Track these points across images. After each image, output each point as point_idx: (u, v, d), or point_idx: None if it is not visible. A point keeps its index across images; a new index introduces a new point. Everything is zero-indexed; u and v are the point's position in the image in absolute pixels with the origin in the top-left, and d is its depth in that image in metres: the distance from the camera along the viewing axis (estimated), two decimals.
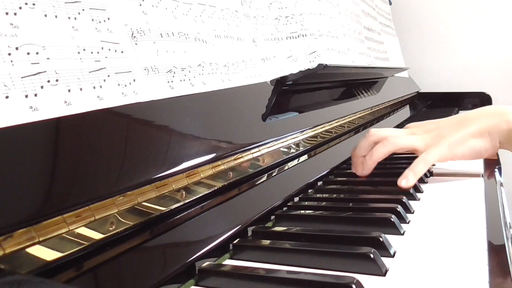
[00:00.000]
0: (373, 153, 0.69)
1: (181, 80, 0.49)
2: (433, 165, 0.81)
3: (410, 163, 0.72)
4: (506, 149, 0.70)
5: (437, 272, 0.39)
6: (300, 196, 0.64)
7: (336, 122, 0.85)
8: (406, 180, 0.63)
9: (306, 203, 0.61)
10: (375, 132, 0.71)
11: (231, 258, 0.45)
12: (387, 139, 0.69)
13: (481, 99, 1.79)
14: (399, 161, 0.82)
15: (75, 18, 0.38)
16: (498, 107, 0.71)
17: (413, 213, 0.56)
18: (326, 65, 0.63)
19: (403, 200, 0.56)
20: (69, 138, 0.35)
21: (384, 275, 0.39)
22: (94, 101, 0.38)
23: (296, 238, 0.47)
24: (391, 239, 0.45)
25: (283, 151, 0.64)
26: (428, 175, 0.75)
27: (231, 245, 0.46)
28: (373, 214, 0.52)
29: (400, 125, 1.37)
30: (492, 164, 0.80)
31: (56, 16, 0.37)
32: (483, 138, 0.67)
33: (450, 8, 2.00)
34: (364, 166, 0.70)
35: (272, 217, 0.55)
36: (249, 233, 0.50)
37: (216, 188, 0.48)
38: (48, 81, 0.34)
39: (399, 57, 1.79)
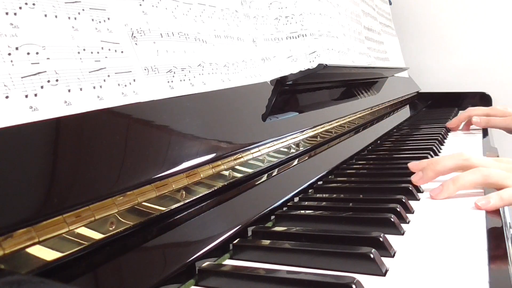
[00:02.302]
0: (459, 180, 0.61)
1: (181, 80, 0.49)
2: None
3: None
4: None
5: (437, 272, 0.39)
6: (300, 196, 0.64)
7: (336, 122, 0.85)
8: (487, 201, 0.55)
9: (306, 203, 0.61)
10: (468, 158, 0.64)
11: (231, 258, 0.45)
12: (479, 169, 0.61)
13: (481, 99, 1.79)
14: (399, 161, 0.82)
15: (75, 18, 0.38)
16: None
17: (413, 213, 0.56)
18: (326, 65, 0.63)
19: (403, 200, 0.56)
20: (69, 138, 0.35)
21: (384, 275, 0.39)
22: (94, 101, 0.38)
23: (296, 238, 0.47)
24: (391, 239, 0.45)
25: (283, 151, 0.64)
26: None
27: (231, 245, 0.46)
28: (373, 214, 0.52)
29: (400, 125, 1.37)
30: None
31: (56, 16, 0.37)
32: None
33: (450, 8, 2.00)
34: (443, 190, 0.61)
35: (272, 217, 0.55)
36: (249, 233, 0.50)
37: (216, 188, 0.48)
38: (48, 81, 0.34)
39: (399, 57, 1.79)
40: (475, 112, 1.22)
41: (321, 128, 0.78)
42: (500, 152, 0.96)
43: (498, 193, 0.56)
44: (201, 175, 0.46)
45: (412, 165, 0.69)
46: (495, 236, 0.47)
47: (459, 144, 1.08)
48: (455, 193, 0.61)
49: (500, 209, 0.56)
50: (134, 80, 0.43)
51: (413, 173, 0.67)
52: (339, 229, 0.50)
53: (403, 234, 0.49)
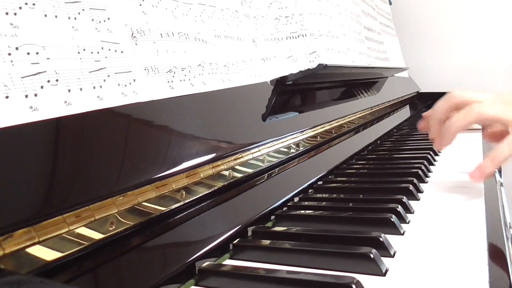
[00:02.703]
0: (452, 123, 0.58)
1: (181, 80, 0.49)
2: (433, 165, 0.81)
3: (412, 164, 0.72)
4: None
5: (437, 272, 0.39)
6: (300, 196, 0.64)
7: (336, 122, 0.85)
8: (479, 171, 0.53)
9: (306, 203, 0.61)
10: (458, 94, 0.61)
11: (231, 258, 0.45)
12: (471, 107, 0.57)
13: None
14: (399, 161, 0.82)
15: (75, 18, 0.38)
16: None
17: (413, 213, 0.56)
18: (326, 65, 0.63)
19: (403, 200, 0.56)
20: (69, 138, 0.35)
21: (384, 275, 0.39)
22: (94, 101, 0.38)
23: (296, 238, 0.47)
24: (391, 239, 0.45)
25: (283, 151, 0.64)
26: (429, 174, 0.75)
27: (231, 245, 0.46)
28: (373, 214, 0.52)
29: (400, 125, 1.37)
30: None
31: (56, 16, 0.37)
32: None
33: (450, 8, 2.00)
34: (442, 139, 0.60)
35: (272, 217, 0.55)
36: (249, 233, 0.50)
37: (216, 188, 0.48)
38: (48, 81, 0.34)
39: (399, 57, 1.79)
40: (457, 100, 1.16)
41: (321, 128, 0.78)
42: None
43: (488, 157, 0.54)
44: (201, 175, 0.46)
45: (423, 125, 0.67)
46: (495, 236, 0.47)
47: (459, 143, 1.08)
48: (455, 137, 0.59)
49: (500, 209, 0.56)
50: (134, 80, 0.43)
51: (413, 172, 0.67)
52: (339, 229, 0.50)
53: (403, 234, 0.49)
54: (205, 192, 0.46)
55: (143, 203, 0.38)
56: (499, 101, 0.58)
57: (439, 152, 0.93)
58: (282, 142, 0.63)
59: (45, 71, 0.34)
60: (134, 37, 0.44)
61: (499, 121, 0.56)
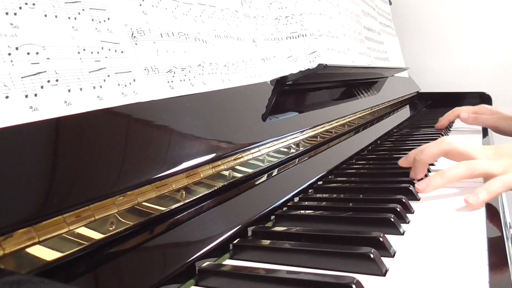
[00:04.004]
0: (445, 174, 0.60)
1: (181, 80, 0.49)
2: (433, 165, 0.81)
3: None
4: None
5: (437, 272, 0.39)
6: (300, 196, 0.64)
7: (336, 122, 0.85)
8: (476, 197, 0.55)
9: (306, 203, 0.61)
10: (450, 142, 0.63)
11: (231, 258, 0.45)
12: (464, 163, 0.60)
13: (481, 99, 1.79)
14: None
15: (75, 18, 0.38)
16: None
17: (413, 213, 0.56)
18: (326, 65, 0.63)
19: (403, 200, 0.56)
20: (69, 138, 0.35)
21: (384, 275, 0.39)
22: (94, 101, 0.38)
23: (296, 238, 0.47)
24: (391, 239, 0.45)
25: (283, 151, 0.64)
26: (429, 175, 0.75)
27: (231, 245, 0.46)
28: (373, 214, 0.52)
29: (400, 125, 1.37)
30: None
31: (56, 16, 0.37)
32: None
33: (450, 8, 2.00)
34: (430, 184, 0.61)
35: (272, 217, 0.55)
36: (249, 233, 0.50)
37: (216, 188, 0.48)
38: (48, 81, 0.34)
39: (399, 57, 1.79)
40: (462, 111, 1.21)
41: (321, 128, 0.78)
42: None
43: (484, 187, 0.56)
44: (201, 175, 0.46)
45: (401, 162, 0.70)
46: (495, 236, 0.47)
47: None
48: (443, 187, 0.60)
49: (500, 209, 0.56)
50: (134, 80, 0.43)
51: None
52: (339, 229, 0.50)
53: (403, 234, 0.49)
54: (205, 192, 0.46)
55: (143, 203, 0.38)
56: (487, 156, 0.62)
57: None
58: (282, 142, 0.63)
59: (45, 71, 0.34)
60: (134, 37, 0.44)
61: (487, 175, 0.59)
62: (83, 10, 0.39)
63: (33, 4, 0.35)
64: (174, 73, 0.48)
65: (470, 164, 0.60)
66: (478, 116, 1.18)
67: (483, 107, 1.21)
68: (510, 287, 0.36)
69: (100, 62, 0.39)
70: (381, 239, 0.43)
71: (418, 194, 0.63)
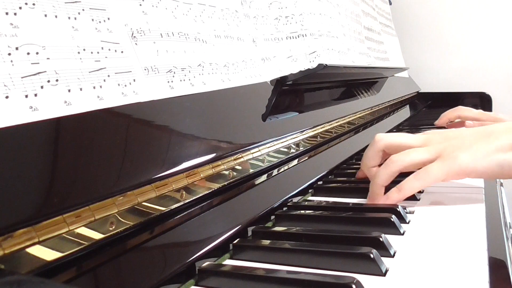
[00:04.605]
0: (375, 178, 0.59)
1: (181, 80, 0.49)
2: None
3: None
4: None
5: (437, 272, 0.39)
6: (300, 196, 0.64)
7: (336, 122, 0.85)
8: (386, 198, 0.56)
9: (306, 203, 0.61)
10: (381, 138, 0.63)
11: (231, 258, 0.45)
12: (390, 159, 0.59)
13: (481, 99, 1.79)
14: None
15: (75, 18, 0.38)
16: None
17: (413, 213, 0.56)
18: (326, 65, 0.63)
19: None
20: (69, 138, 0.35)
21: (384, 275, 0.39)
22: (94, 101, 0.38)
23: (296, 238, 0.47)
24: (391, 239, 0.45)
25: (283, 151, 0.64)
26: None
27: (231, 245, 0.46)
28: (373, 214, 0.52)
29: (400, 125, 1.37)
30: None
31: (56, 16, 0.37)
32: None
33: (450, 8, 2.00)
34: (370, 193, 0.60)
35: (272, 217, 0.55)
36: (249, 233, 0.50)
37: (216, 188, 0.48)
38: (48, 81, 0.34)
39: (399, 57, 1.79)
40: (465, 113, 1.16)
41: (321, 128, 0.78)
42: None
43: (398, 187, 0.56)
44: (201, 175, 0.46)
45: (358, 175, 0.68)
46: (495, 236, 0.47)
47: None
48: (382, 190, 0.58)
49: (500, 209, 0.56)
50: (134, 80, 0.43)
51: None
52: (339, 229, 0.50)
53: (403, 234, 0.49)
54: (205, 192, 0.46)
55: (143, 203, 0.38)
56: (421, 142, 0.60)
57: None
58: (282, 142, 0.63)
59: (45, 71, 0.34)
60: (134, 37, 0.44)
61: (420, 164, 0.58)
62: (83, 10, 0.39)
63: (33, 4, 0.35)
64: (174, 73, 0.48)
65: (397, 158, 0.59)
66: (483, 124, 1.17)
67: (484, 114, 1.18)
68: (510, 287, 0.36)
69: (100, 62, 0.39)
70: (381, 239, 0.43)
71: (418, 193, 0.63)
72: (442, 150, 0.57)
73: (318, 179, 0.71)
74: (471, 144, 0.56)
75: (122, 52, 0.42)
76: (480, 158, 0.55)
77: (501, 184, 0.70)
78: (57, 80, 0.35)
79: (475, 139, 0.56)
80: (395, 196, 0.56)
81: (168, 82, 0.47)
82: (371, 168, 0.63)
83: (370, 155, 0.64)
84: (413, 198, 0.61)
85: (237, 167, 0.52)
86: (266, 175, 0.59)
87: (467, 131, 0.59)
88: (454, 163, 0.55)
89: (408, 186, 0.56)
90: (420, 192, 0.65)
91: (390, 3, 1.88)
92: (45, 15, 0.36)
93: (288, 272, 0.39)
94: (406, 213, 0.54)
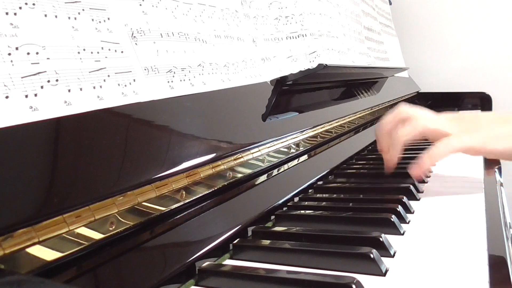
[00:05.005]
0: (399, 134, 0.63)
1: (181, 80, 0.49)
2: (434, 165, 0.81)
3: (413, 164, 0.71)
4: None
5: (437, 272, 0.39)
6: (300, 196, 0.64)
7: (336, 122, 0.85)
8: (418, 166, 0.59)
9: (306, 203, 0.61)
10: (404, 109, 0.66)
11: (231, 258, 0.45)
12: (416, 119, 0.63)
13: (481, 99, 1.79)
14: (399, 161, 0.82)
15: (75, 18, 0.38)
16: None
17: (413, 213, 0.56)
18: (326, 65, 0.63)
19: (403, 200, 0.56)
20: (69, 138, 0.35)
21: (384, 275, 0.39)
22: (94, 101, 0.38)
23: (296, 238, 0.47)
24: (391, 239, 0.45)
25: (283, 151, 0.64)
26: (429, 174, 0.75)
27: (231, 245, 0.46)
28: (373, 214, 0.52)
29: None
30: (492, 164, 0.80)
31: (56, 16, 0.37)
32: None
33: (450, 8, 2.00)
34: (391, 149, 0.64)
35: (272, 217, 0.55)
36: (249, 233, 0.50)
37: (216, 188, 0.48)
38: (48, 81, 0.34)
39: (399, 57, 1.79)
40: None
41: (321, 128, 0.78)
42: None
43: (426, 155, 0.60)
44: (201, 175, 0.46)
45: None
46: (495, 236, 0.47)
47: None
48: (401, 147, 0.63)
49: (500, 209, 0.56)
50: (134, 80, 0.43)
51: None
52: (339, 229, 0.50)
53: (403, 234, 0.49)
54: (205, 192, 0.46)
55: (143, 203, 0.38)
56: (442, 117, 0.66)
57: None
58: (282, 142, 0.63)
59: (45, 71, 0.34)
60: (134, 37, 0.44)
61: (440, 133, 0.62)
62: (83, 10, 0.39)
63: (33, 4, 0.35)
64: (174, 73, 0.48)
65: (423, 121, 0.63)
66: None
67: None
68: (510, 287, 0.36)
69: (100, 62, 0.39)
70: (381, 239, 0.43)
71: (418, 194, 0.63)
72: (465, 127, 0.62)
73: (318, 179, 0.71)
74: (489, 127, 0.61)
75: (122, 52, 0.42)
76: (499, 140, 0.60)
77: (501, 184, 0.70)
78: (57, 80, 0.35)
79: (490, 124, 0.62)
80: (427, 161, 0.60)
81: (168, 82, 0.47)
82: (385, 133, 0.67)
83: (389, 121, 0.66)
84: (413, 197, 0.61)
85: (237, 167, 0.52)
86: (266, 175, 0.59)
87: (482, 116, 0.66)
88: (475, 139, 0.60)
89: (436, 152, 0.59)
90: (420, 192, 0.65)
91: (390, 3, 1.88)
92: (45, 15, 0.36)
93: (288, 272, 0.39)
94: (406, 213, 0.54)
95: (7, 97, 0.31)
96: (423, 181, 0.70)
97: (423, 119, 0.63)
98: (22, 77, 0.32)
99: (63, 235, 0.31)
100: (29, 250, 0.29)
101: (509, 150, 0.60)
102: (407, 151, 0.93)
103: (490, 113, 0.66)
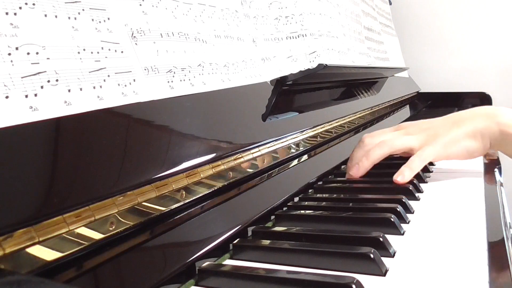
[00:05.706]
0: (369, 155, 0.70)
1: (181, 80, 0.49)
2: (433, 165, 0.81)
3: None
4: (496, 150, 0.74)
5: (437, 272, 0.39)
6: (300, 196, 0.64)
7: (336, 122, 0.85)
8: (402, 176, 0.65)
9: (306, 203, 0.61)
10: (369, 141, 0.73)
11: (231, 258, 0.45)
12: (383, 141, 0.71)
13: (481, 99, 1.79)
14: (399, 161, 0.82)
15: (75, 18, 0.38)
16: (489, 108, 0.73)
17: (413, 213, 0.56)
18: (326, 65, 0.63)
19: (403, 200, 0.56)
20: (69, 138, 0.35)
21: (384, 275, 0.39)
22: (94, 101, 0.38)
23: (296, 238, 0.47)
24: (391, 239, 0.45)
25: (283, 151, 0.64)
26: (428, 174, 0.75)
27: (231, 245, 0.46)
28: (373, 214, 0.52)
29: None
30: (492, 164, 0.80)
31: (56, 16, 0.37)
32: (476, 139, 0.69)
33: (450, 8, 2.00)
34: (360, 167, 0.70)
35: (272, 217, 0.55)
36: (249, 233, 0.50)
37: (216, 188, 0.48)
38: (48, 81, 0.34)
39: (399, 57, 1.79)
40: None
41: (321, 128, 0.78)
42: (500, 155, 0.96)
43: (407, 165, 0.66)
44: (201, 175, 0.46)
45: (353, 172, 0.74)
46: (495, 236, 0.47)
47: None
48: (370, 167, 0.70)
49: (500, 209, 0.56)
50: (134, 80, 0.43)
51: (415, 175, 0.67)
52: (339, 229, 0.50)
53: (403, 234, 0.49)
54: (205, 192, 0.46)
55: (143, 203, 0.38)
56: (404, 134, 0.73)
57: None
58: (282, 142, 0.63)
59: (45, 71, 0.34)
60: (134, 37, 0.44)
61: (407, 149, 0.71)
62: (83, 10, 0.39)
63: (33, 4, 0.35)
64: (174, 73, 0.48)
65: (390, 142, 0.71)
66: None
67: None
68: (510, 287, 0.36)
69: (100, 62, 0.39)
70: (381, 239, 0.43)
71: (418, 193, 0.63)
72: (426, 138, 0.70)
73: (318, 179, 0.71)
74: (444, 133, 0.69)
75: (122, 52, 0.42)
76: (452, 145, 0.68)
77: (501, 184, 0.70)
78: (57, 80, 0.35)
79: (444, 130, 0.70)
80: (407, 173, 0.66)
81: (168, 82, 0.47)
82: (368, 167, 0.72)
83: (358, 155, 0.73)
84: (413, 197, 0.61)
85: (237, 167, 0.52)
86: (266, 175, 0.59)
87: (437, 122, 0.72)
88: (436, 149, 0.68)
89: (415, 164, 0.67)
90: (420, 191, 0.65)
91: (390, 3, 1.88)
92: (45, 15, 0.36)
93: (288, 272, 0.39)
94: (406, 213, 0.54)
95: (7, 97, 0.31)
96: (423, 181, 0.70)
97: (390, 140, 0.71)
98: (22, 77, 0.32)
99: (63, 235, 0.31)
100: (29, 250, 0.29)
101: (462, 152, 0.69)
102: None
103: (443, 118, 0.73)
